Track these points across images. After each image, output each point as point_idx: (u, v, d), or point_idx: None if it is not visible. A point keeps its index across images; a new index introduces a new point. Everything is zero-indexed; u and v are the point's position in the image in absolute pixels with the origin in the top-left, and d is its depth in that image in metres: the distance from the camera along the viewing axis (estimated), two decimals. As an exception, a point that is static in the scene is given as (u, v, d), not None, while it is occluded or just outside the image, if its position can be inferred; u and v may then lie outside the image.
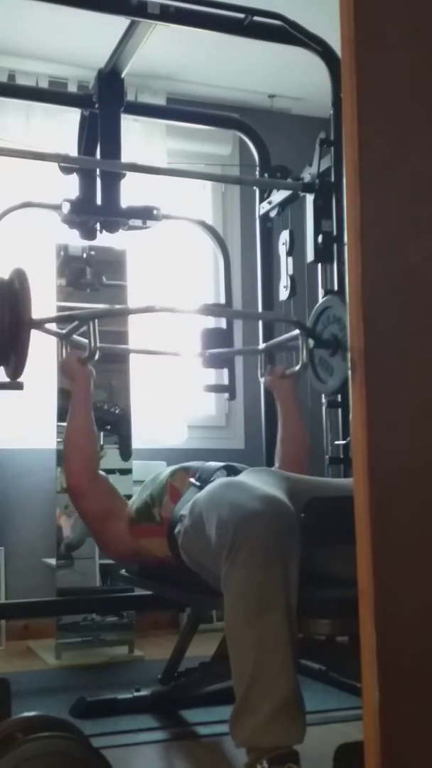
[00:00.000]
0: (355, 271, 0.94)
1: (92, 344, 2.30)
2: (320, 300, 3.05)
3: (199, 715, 2.43)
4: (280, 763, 1.51)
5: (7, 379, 2.30)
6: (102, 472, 2.37)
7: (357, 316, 0.94)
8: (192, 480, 2.13)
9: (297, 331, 2.67)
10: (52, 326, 2.45)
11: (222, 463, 2.20)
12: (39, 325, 2.31)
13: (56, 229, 3.34)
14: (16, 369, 2.25)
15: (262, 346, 2.97)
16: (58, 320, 2.53)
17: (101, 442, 3.41)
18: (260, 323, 3.43)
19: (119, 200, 3.02)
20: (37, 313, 2.25)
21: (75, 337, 2.45)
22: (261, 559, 1.58)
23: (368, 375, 0.93)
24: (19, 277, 2.24)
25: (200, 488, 2.03)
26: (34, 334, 2.25)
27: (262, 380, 2.85)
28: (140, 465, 3.61)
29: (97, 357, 2.33)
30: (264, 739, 1.54)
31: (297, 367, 2.65)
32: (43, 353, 3.50)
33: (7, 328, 2.19)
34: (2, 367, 2.29)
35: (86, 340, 2.34)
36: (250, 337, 3.72)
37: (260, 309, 3.45)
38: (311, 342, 2.66)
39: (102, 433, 3.48)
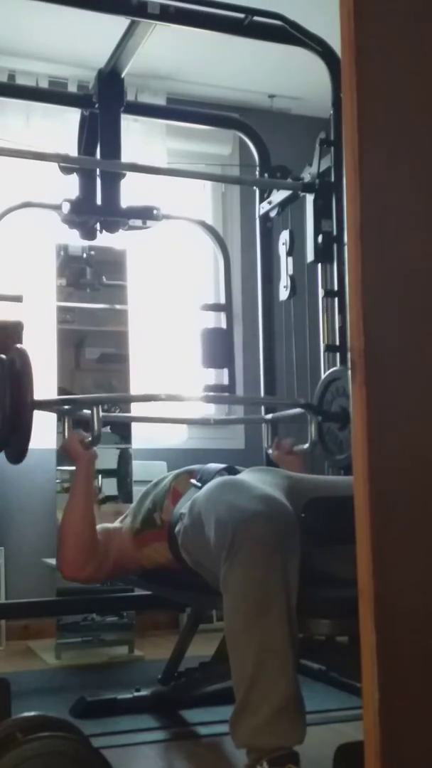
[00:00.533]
0: (355, 271, 0.94)
1: (95, 429, 2.22)
2: (319, 304, 3.06)
3: (199, 715, 2.43)
4: (280, 764, 1.51)
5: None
6: (96, 527, 2.26)
7: (357, 316, 0.94)
8: (193, 481, 2.13)
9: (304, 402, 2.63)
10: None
11: (223, 465, 2.20)
12: (41, 406, 2.28)
13: (56, 229, 3.34)
14: (19, 452, 2.21)
15: (269, 416, 2.92)
16: (61, 402, 2.49)
17: (100, 484, 3.40)
18: (260, 328, 3.43)
19: (119, 200, 3.02)
20: (38, 393, 2.21)
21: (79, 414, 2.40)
22: (260, 560, 1.58)
23: (368, 375, 0.93)
24: (21, 357, 2.21)
25: (200, 489, 2.03)
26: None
27: (269, 453, 2.76)
28: (140, 465, 3.61)
29: (100, 441, 2.26)
30: (264, 739, 1.54)
31: (306, 446, 2.58)
32: (43, 353, 3.52)
33: (9, 411, 2.16)
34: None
35: (89, 412, 2.27)
36: (251, 336, 3.72)
37: (260, 309, 3.44)
38: (319, 417, 2.60)
39: (100, 476, 3.46)
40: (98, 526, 2.24)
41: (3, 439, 2.20)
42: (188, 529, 1.90)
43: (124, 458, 3.55)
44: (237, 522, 1.64)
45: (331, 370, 2.77)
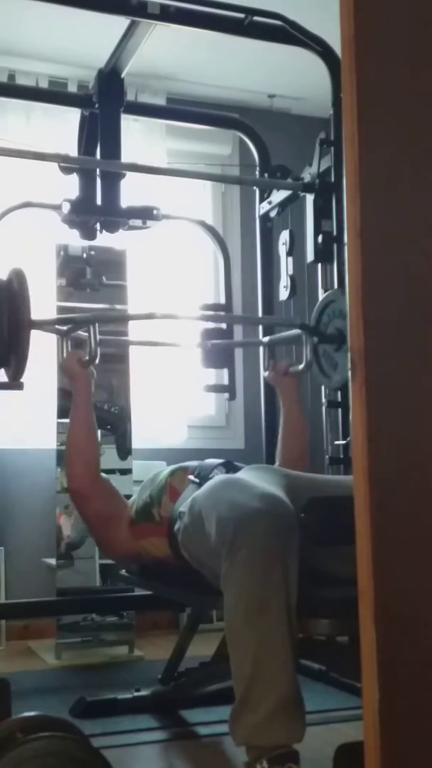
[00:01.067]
0: (355, 271, 0.94)
1: (93, 346, 2.28)
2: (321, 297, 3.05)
3: (199, 715, 2.43)
4: (279, 763, 1.51)
5: (7, 380, 2.30)
6: (104, 475, 2.36)
7: (357, 316, 0.94)
8: (191, 477, 2.13)
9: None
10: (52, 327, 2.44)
11: (220, 460, 2.20)
12: (39, 325, 2.30)
13: (56, 229, 3.34)
14: (17, 370, 2.24)
15: (265, 339, 2.93)
16: (58, 322, 2.52)
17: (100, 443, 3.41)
18: (260, 328, 3.43)
19: (119, 200, 3.02)
20: (36, 314, 2.24)
21: (77, 333, 2.43)
22: (261, 558, 1.58)
23: (368, 375, 0.93)
24: (18, 277, 2.23)
25: (199, 485, 2.03)
26: (35, 334, 2.25)
27: (264, 374, 2.81)
28: (140, 465, 3.61)
29: (97, 359, 2.31)
30: (264, 737, 1.54)
31: (301, 366, 2.61)
32: (43, 353, 3.51)
33: (6, 330, 2.18)
34: (3, 369, 2.28)
35: (86, 334, 2.32)
36: (251, 336, 3.72)
37: (260, 310, 3.45)
38: (315, 339, 2.63)
39: (100, 432, 3.47)
40: (108, 478, 2.36)
41: (2, 357, 2.22)
42: (188, 527, 1.90)
43: (122, 456, 3.55)
44: (238, 520, 1.64)
45: (328, 292, 2.77)
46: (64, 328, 2.42)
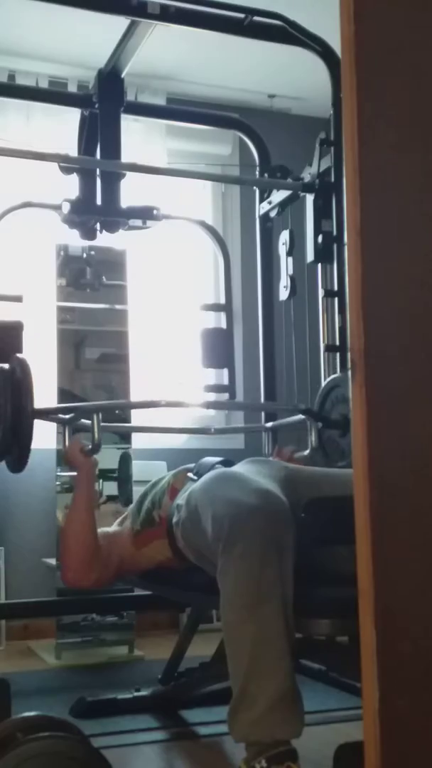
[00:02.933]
0: (355, 271, 0.94)
1: (95, 437, 2.22)
2: (319, 304, 3.06)
3: (199, 715, 2.43)
4: (278, 762, 1.51)
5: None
6: (99, 531, 2.23)
7: (357, 316, 0.94)
8: (189, 474, 2.13)
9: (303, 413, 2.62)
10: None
11: (219, 459, 2.19)
12: (41, 415, 2.28)
13: (56, 229, 3.34)
14: (19, 460, 2.22)
15: (269, 424, 2.92)
16: (61, 411, 2.48)
17: (101, 488, 3.39)
18: (260, 328, 3.43)
19: (119, 200, 3.02)
20: (39, 401, 2.22)
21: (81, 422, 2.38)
22: (256, 554, 1.59)
23: (368, 375, 0.93)
24: (21, 366, 2.23)
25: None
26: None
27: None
28: (140, 465, 3.61)
29: (100, 449, 2.25)
30: (262, 732, 1.54)
31: (306, 452, 2.57)
32: (43, 353, 3.52)
33: (9, 419, 2.17)
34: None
35: (89, 422, 2.27)
36: (251, 336, 3.72)
37: (260, 309, 3.44)
38: (319, 424, 2.59)
39: (101, 481, 3.44)
40: (99, 531, 2.22)
41: (4, 447, 2.20)
42: (186, 521, 1.90)
43: (125, 460, 3.54)
44: (233, 516, 1.64)
45: (332, 377, 2.76)
46: (66, 416, 2.37)
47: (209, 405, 2.90)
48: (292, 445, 2.70)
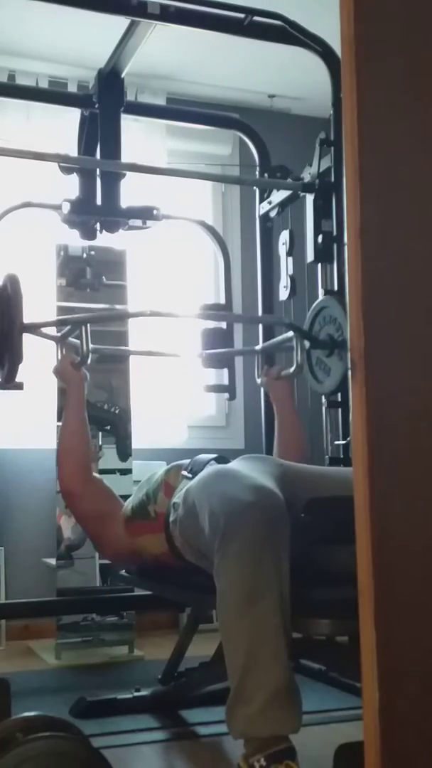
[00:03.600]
0: (355, 271, 0.94)
1: (84, 348, 2.31)
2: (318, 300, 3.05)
3: (199, 715, 2.43)
4: (277, 760, 1.51)
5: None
6: (97, 475, 2.37)
7: (357, 316, 0.94)
8: (184, 472, 2.14)
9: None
10: (47, 330, 2.45)
11: (213, 455, 2.20)
12: (31, 329, 2.31)
13: (56, 229, 3.34)
14: (9, 373, 2.26)
15: (259, 346, 2.95)
16: (51, 325, 2.53)
17: (100, 443, 3.42)
18: (260, 328, 3.43)
19: (119, 200, 3.02)
20: (32, 315, 2.26)
21: (70, 339, 2.44)
22: (252, 550, 1.59)
23: (368, 375, 0.93)
24: (11, 282, 2.25)
25: (192, 480, 2.03)
26: (31, 338, 2.26)
27: (259, 381, 2.83)
28: (140, 465, 3.61)
29: (90, 360, 2.33)
30: (260, 728, 1.54)
31: (292, 369, 2.62)
32: (43, 353, 3.51)
33: None
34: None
35: (77, 342, 2.34)
36: (251, 336, 3.72)
37: (260, 309, 3.45)
38: (306, 343, 2.64)
39: (101, 434, 3.48)
40: (100, 477, 2.37)
41: None
42: (183, 519, 1.91)
43: (122, 458, 3.55)
44: (228, 513, 1.65)
45: (321, 298, 2.78)
46: (58, 334, 2.43)
47: (200, 315, 2.93)
48: (279, 365, 2.79)
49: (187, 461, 2.24)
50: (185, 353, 3.16)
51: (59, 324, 2.51)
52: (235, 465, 2.03)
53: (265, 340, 3.31)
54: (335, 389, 2.68)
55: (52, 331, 2.50)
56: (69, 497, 2.33)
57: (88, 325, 2.33)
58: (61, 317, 2.78)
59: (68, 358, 2.38)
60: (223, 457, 2.20)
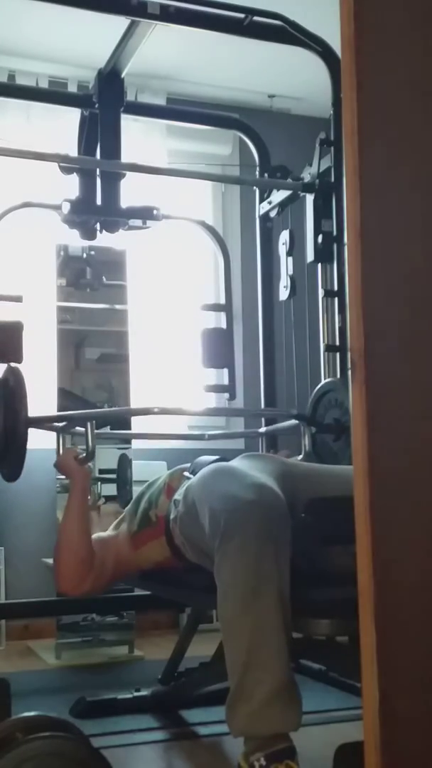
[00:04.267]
0: (355, 271, 0.94)
1: (89, 445, 2.23)
2: (319, 304, 3.06)
3: (199, 715, 2.43)
4: (277, 760, 1.51)
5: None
6: (92, 536, 2.22)
7: (357, 316, 0.94)
8: (186, 473, 2.13)
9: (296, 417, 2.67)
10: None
11: (215, 457, 2.19)
12: (36, 423, 2.28)
13: (56, 229, 3.34)
14: (13, 469, 2.23)
15: (262, 429, 2.96)
16: (55, 419, 2.48)
17: (100, 491, 3.39)
18: (260, 328, 3.43)
19: (119, 200, 3.02)
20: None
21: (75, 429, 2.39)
22: (252, 548, 1.59)
23: (368, 375, 0.93)
24: (15, 375, 2.23)
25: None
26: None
27: None
28: (140, 465, 3.61)
29: (94, 457, 2.26)
30: (260, 725, 1.53)
31: (300, 456, 2.60)
32: (43, 353, 3.52)
33: (3, 428, 2.18)
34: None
35: (83, 429, 2.27)
36: (251, 337, 3.72)
37: (260, 310, 3.45)
38: (312, 429, 2.64)
39: (100, 483, 3.44)
40: (93, 536, 2.20)
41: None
42: (183, 516, 1.90)
43: (123, 461, 3.54)
44: (229, 511, 1.65)
45: (324, 381, 2.80)
46: (61, 425, 2.37)
47: (204, 412, 2.93)
48: (288, 449, 2.73)
49: (189, 465, 2.24)
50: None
51: (64, 420, 2.44)
52: (235, 463, 2.02)
53: (267, 389, 3.32)
54: None
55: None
56: (68, 594, 2.24)
57: (93, 421, 2.26)
58: (65, 413, 2.71)
59: (71, 452, 2.26)
60: (223, 458, 2.19)
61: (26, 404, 2.21)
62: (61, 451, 2.31)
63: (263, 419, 3.21)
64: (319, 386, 2.79)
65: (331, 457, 2.66)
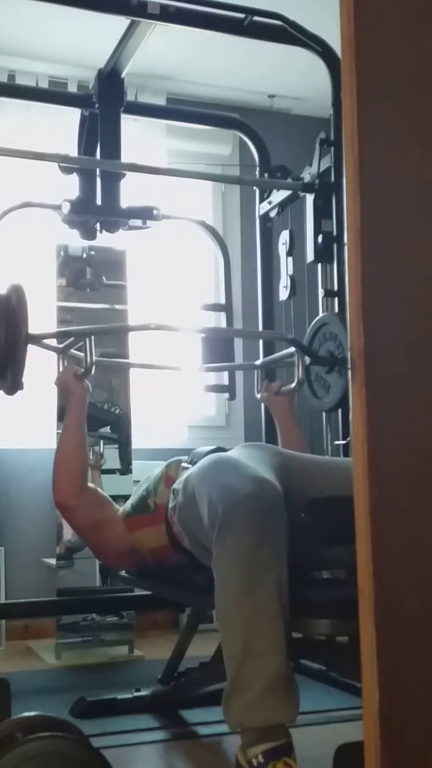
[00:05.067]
0: (355, 271, 0.94)
1: (88, 360, 2.31)
2: (320, 304, 3.06)
3: (199, 715, 2.43)
4: (275, 757, 1.51)
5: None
6: (90, 484, 2.35)
7: (357, 316, 0.94)
8: (184, 464, 2.14)
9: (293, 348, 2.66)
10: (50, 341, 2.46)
11: (212, 447, 2.20)
12: (36, 340, 2.33)
13: (56, 229, 3.34)
14: (13, 384, 2.27)
15: (259, 361, 2.96)
16: (55, 336, 2.55)
17: (102, 450, 3.41)
18: (260, 328, 3.43)
19: (119, 200, 3.02)
20: (33, 319, 2.27)
21: (72, 351, 2.45)
22: (249, 540, 1.59)
23: (368, 375, 0.93)
24: (17, 292, 2.27)
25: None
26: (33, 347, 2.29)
27: (259, 396, 2.82)
28: (140, 465, 3.60)
29: (93, 372, 2.33)
30: (256, 717, 1.53)
31: (293, 385, 2.63)
32: (42, 353, 3.51)
33: (3, 344, 2.22)
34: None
35: (83, 354, 2.34)
36: (252, 342, 3.72)
37: (260, 310, 3.45)
38: (307, 359, 2.66)
39: (102, 442, 3.47)
40: (94, 486, 2.36)
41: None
42: (182, 506, 1.91)
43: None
44: (227, 504, 1.66)
45: (321, 315, 2.81)
46: (61, 345, 2.44)
47: (202, 330, 2.97)
48: (280, 380, 2.81)
49: (186, 456, 2.24)
50: (186, 365, 3.17)
51: (63, 335, 2.52)
52: (234, 453, 2.03)
53: (266, 349, 3.32)
54: (335, 406, 2.71)
55: (55, 341, 2.51)
56: (62, 509, 2.33)
57: (93, 336, 2.33)
58: (64, 329, 2.79)
59: (71, 369, 2.38)
60: (221, 448, 2.20)
61: (27, 321, 2.26)
62: (60, 369, 2.42)
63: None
64: (316, 319, 2.82)
65: (324, 389, 2.72)
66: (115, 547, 2.27)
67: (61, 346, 2.45)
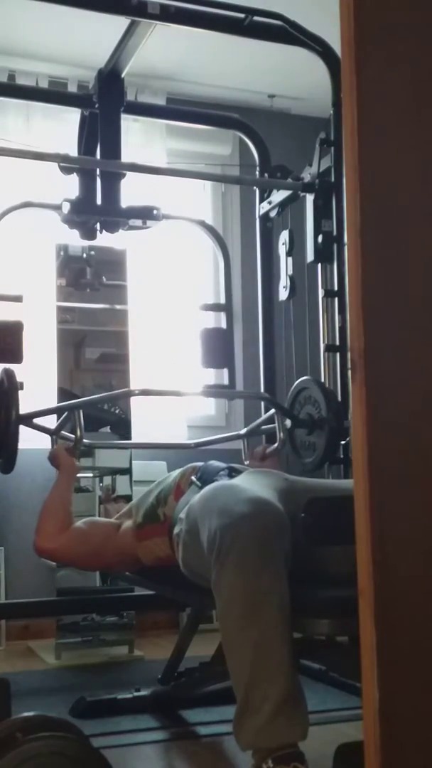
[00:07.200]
0: (355, 271, 0.94)
1: (78, 435, 2.44)
2: (319, 304, 3.06)
3: (199, 715, 2.43)
4: (285, 763, 1.51)
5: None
6: (79, 523, 2.38)
7: (357, 316, 0.94)
8: (193, 478, 2.14)
9: (274, 411, 2.79)
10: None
11: (225, 465, 2.20)
12: (26, 420, 2.45)
13: (56, 229, 3.34)
14: (6, 464, 2.40)
15: (243, 431, 3.03)
16: (46, 414, 2.64)
17: (114, 490, 3.46)
18: (260, 328, 3.44)
19: (119, 200, 3.02)
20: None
21: (63, 432, 2.56)
22: (249, 562, 1.58)
23: (368, 375, 0.93)
24: (8, 376, 2.37)
25: (200, 489, 2.03)
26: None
27: (246, 463, 2.81)
28: (140, 465, 3.61)
29: (81, 445, 2.47)
30: (268, 739, 1.54)
31: (276, 445, 2.76)
32: (43, 353, 3.51)
33: None
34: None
35: (73, 436, 2.46)
36: (250, 338, 3.72)
37: (260, 310, 3.45)
38: (288, 422, 2.79)
39: (101, 432, 3.48)
40: (87, 519, 2.41)
41: None
42: (185, 537, 1.90)
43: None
44: (224, 526, 1.64)
45: (300, 380, 2.89)
46: (52, 429, 2.56)
47: (185, 393, 3.03)
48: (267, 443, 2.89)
49: (200, 464, 2.24)
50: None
51: (54, 412, 2.64)
52: (237, 480, 2.02)
53: (266, 385, 3.36)
54: (318, 466, 2.80)
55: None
56: (50, 555, 2.39)
57: (81, 411, 2.47)
58: (55, 406, 2.88)
59: (63, 445, 2.50)
60: (233, 467, 2.20)
61: (18, 403, 2.37)
62: (53, 447, 2.53)
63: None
64: (295, 384, 2.91)
65: (305, 449, 2.82)
66: (126, 559, 2.28)
67: (53, 428, 2.55)
